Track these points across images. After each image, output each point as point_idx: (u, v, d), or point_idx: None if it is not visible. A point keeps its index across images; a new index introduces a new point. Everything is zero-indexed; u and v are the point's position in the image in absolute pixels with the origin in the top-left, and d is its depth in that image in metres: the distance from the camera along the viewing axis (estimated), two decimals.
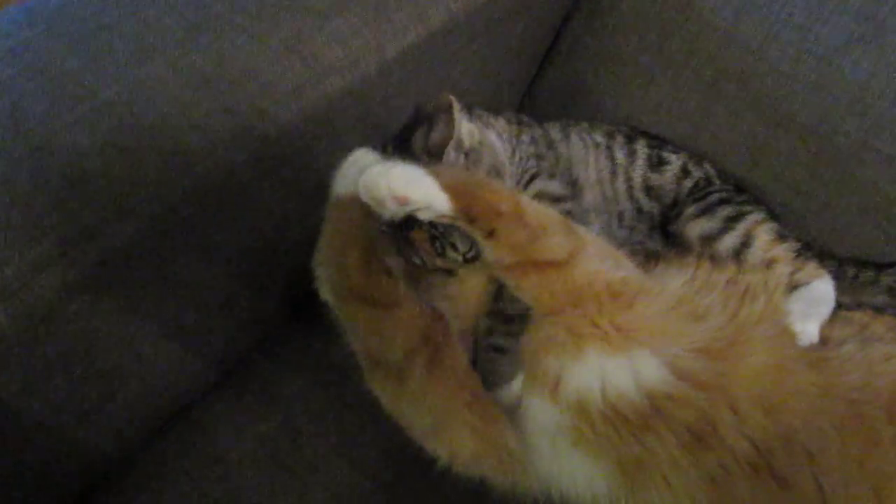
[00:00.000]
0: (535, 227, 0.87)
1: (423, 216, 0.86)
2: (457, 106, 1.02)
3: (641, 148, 1.22)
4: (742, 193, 1.21)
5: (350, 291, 0.90)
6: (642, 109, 1.28)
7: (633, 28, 1.25)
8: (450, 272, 0.99)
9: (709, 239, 1.09)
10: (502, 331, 0.98)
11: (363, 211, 0.87)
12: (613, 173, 1.19)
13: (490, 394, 0.93)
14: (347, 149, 0.93)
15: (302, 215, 0.99)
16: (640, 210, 1.19)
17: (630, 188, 1.19)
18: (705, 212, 1.12)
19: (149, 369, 0.94)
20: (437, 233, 0.92)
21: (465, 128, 1.04)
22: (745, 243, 1.08)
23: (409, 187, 0.83)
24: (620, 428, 0.87)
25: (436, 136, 1.01)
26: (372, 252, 0.90)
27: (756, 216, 1.13)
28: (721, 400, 0.86)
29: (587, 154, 1.20)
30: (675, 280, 0.96)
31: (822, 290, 1.04)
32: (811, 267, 1.07)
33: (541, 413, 0.90)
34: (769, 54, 1.14)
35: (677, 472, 0.85)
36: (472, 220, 0.86)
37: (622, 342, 0.88)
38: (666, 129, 1.27)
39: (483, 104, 1.24)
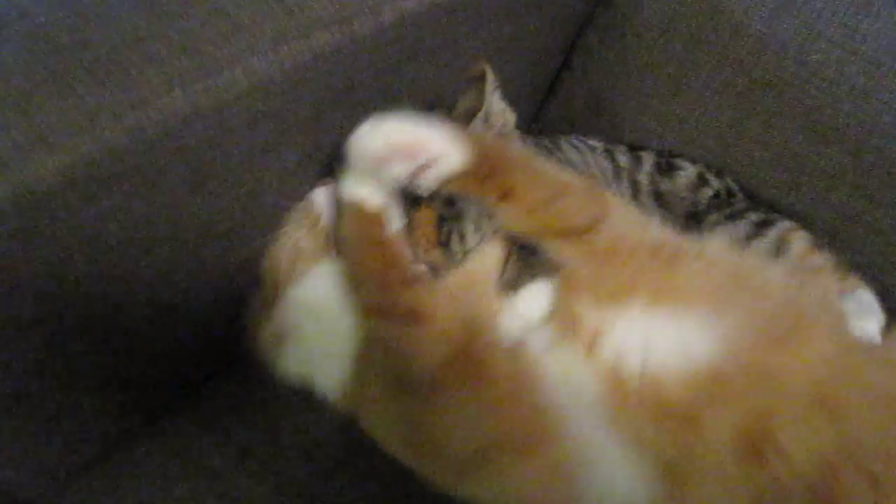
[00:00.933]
0: (555, 187, 0.75)
1: (430, 180, 0.74)
2: (491, 77, 0.89)
3: (647, 155, 1.12)
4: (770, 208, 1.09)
5: (370, 308, 0.79)
6: (666, 124, 1.16)
7: (655, 37, 1.15)
8: (435, 270, 0.85)
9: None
10: None
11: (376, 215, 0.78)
12: (617, 176, 1.07)
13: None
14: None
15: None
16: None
17: (636, 192, 1.07)
18: (732, 217, 1.01)
19: None
20: (451, 213, 0.81)
21: (498, 106, 0.91)
22: (779, 250, 0.96)
23: (415, 134, 0.73)
24: (659, 413, 0.72)
25: (464, 103, 0.88)
26: (391, 260, 0.79)
27: (788, 223, 1.02)
28: (779, 395, 0.71)
29: (583, 157, 1.08)
30: (722, 253, 0.81)
31: (867, 297, 0.94)
32: (852, 277, 0.97)
33: (573, 372, 0.75)
34: (810, 58, 1.03)
35: (724, 488, 0.69)
36: (485, 178, 0.75)
37: (672, 300, 0.75)
38: (693, 146, 1.14)
39: None
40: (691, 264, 0.77)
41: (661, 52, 1.14)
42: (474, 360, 0.76)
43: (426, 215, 0.82)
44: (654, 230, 0.82)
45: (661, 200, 1.07)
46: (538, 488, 0.75)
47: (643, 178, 1.09)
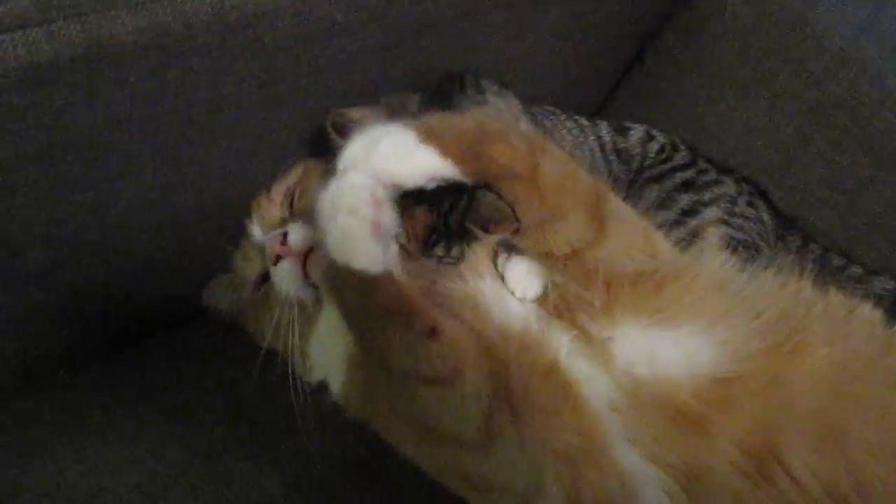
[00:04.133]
0: (552, 206, 0.72)
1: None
2: (487, 82, 0.91)
3: (600, 120, 1.15)
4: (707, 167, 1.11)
5: (399, 375, 0.70)
6: (729, 130, 1.14)
7: (732, 42, 1.13)
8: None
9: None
10: None
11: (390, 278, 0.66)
12: (583, 132, 1.10)
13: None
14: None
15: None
16: (615, 178, 1.07)
17: (602, 147, 1.10)
18: (660, 178, 1.06)
19: None
20: (443, 229, 0.77)
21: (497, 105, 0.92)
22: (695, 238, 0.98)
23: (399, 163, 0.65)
24: (672, 419, 0.70)
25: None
26: (412, 317, 0.67)
27: (711, 214, 1.02)
28: (784, 409, 0.69)
29: (552, 121, 1.09)
30: (712, 262, 0.80)
31: None
32: None
33: (599, 385, 0.73)
34: (887, 81, 1.01)
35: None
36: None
37: (663, 316, 0.73)
38: (753, 155, 1.13)
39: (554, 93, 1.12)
40: (681, 278, 0.75)
41: (736, 58, 1.13)
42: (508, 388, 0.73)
43: (422, 217, 0.77)
44: (652, 247, 0.80)
45: (621, 157, 1.10)
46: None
47: (606, 136, 1.11)
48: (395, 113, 0.84)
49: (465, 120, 0.75)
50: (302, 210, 0.81)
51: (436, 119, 0.72)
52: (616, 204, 0.79)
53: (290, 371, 0.76)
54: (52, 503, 0.75)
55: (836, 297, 0.81)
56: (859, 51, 1.03)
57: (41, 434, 0.81)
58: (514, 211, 0.72)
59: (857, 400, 0.71)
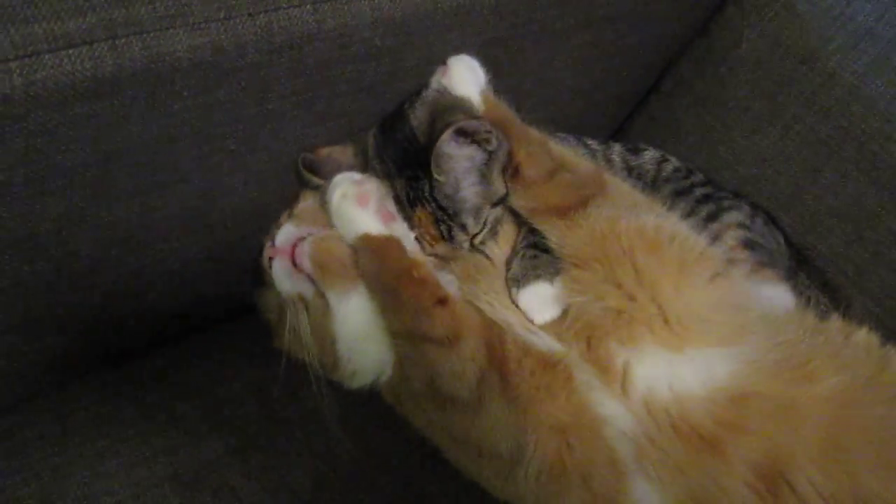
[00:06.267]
0: (558, 159, 0.82)
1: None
2: None
3: (614, 143, 1.17)
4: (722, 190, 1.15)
5: (405, 334, 0.80)
6: (742, 160, 1.18)
7: (748, 74, 1.17)
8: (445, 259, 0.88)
9: None
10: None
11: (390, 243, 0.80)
12: (594, 155, 1.11)
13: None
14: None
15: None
16: None
17: (610, 165, 1.12)
18: (681, 193, 1.09)
19: None
20: (444, 215, 0.83)
21: None
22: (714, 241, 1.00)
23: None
24: (688, 443, 0.74)
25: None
26: (420, 283, 0.79)
27: (731, 218, 1.06)
28: (794, 432, 0.73)
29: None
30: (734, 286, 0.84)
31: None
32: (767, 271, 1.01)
33: (618, 416, 0.77)
34: None
35: None
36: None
37: (677, 336, 0.77)
38: (765, 184, 1.16)
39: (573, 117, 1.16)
40: (680, 244, 0.80)
41: (750, 89, 1.17)
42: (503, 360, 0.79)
43: (422, 217, 0.84)
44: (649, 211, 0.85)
45: (632, 173, 1.12)
46: None
47: (616, 157, 1.13)
48: (361, 150, 0.91)
49: None
50: (297, 213, 0.88)
51: None
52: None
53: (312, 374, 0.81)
54: (90, 490, 0.79)
55: (835, 323, 0.86)
56: (869, 87, 1.07)
57: (81, 425, 0.85)
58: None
59: (860, 420, 0.75)
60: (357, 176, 0.83)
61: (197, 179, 0.80)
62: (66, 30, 0.63)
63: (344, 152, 0.91)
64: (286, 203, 0.90)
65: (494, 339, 0.80)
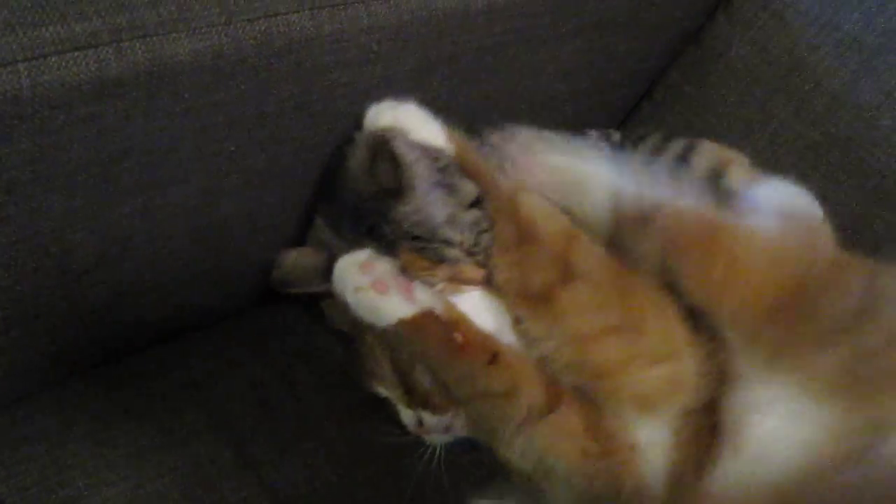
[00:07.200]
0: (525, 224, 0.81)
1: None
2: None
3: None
4: None
5: (466, 399, 0.78)
6: None
7: (737, 81, 1.20)
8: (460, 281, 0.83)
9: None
10: None
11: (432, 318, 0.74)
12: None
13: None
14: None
15: None
16: None
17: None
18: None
19: None
20: (418, 245, 0.80)
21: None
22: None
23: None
24: None
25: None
26: (468, 350, 0.75)
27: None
28: None
29: None
30: None
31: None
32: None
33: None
34: (881, 122, 1.07)
35: None
36: None
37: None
38: None
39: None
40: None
41: (739, 97, 1.20)
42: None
43: (406, 258, 0.80)
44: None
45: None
46: None
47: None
48: (318, 243, 0.89)
49: None
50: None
51: None
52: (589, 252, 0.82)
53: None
54: (91, 482, 0.81)
55: None
56: (855, 94, 1.09)
57: (81, 419, 0.87)
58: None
59: None
60: (359, 258, 0.76)
61: (197, 179, 0.82)
62: (73, 33, 0.65)
63: (306, 253, 0.87)
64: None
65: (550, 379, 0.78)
